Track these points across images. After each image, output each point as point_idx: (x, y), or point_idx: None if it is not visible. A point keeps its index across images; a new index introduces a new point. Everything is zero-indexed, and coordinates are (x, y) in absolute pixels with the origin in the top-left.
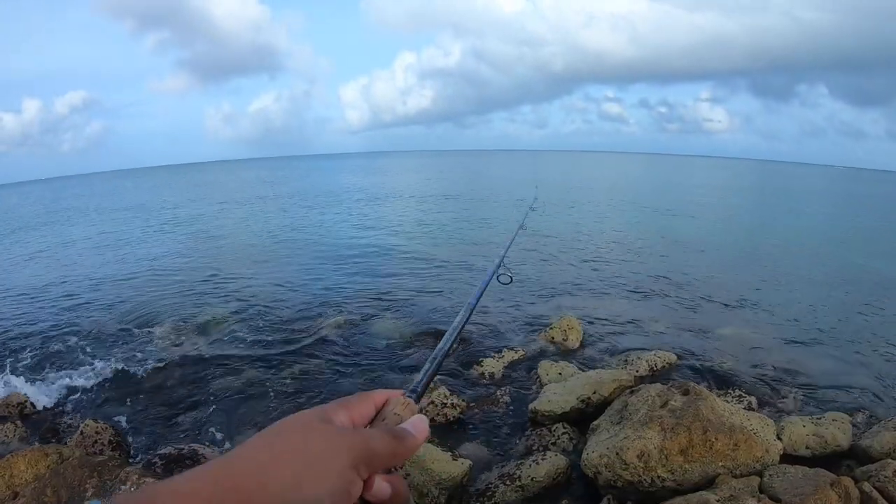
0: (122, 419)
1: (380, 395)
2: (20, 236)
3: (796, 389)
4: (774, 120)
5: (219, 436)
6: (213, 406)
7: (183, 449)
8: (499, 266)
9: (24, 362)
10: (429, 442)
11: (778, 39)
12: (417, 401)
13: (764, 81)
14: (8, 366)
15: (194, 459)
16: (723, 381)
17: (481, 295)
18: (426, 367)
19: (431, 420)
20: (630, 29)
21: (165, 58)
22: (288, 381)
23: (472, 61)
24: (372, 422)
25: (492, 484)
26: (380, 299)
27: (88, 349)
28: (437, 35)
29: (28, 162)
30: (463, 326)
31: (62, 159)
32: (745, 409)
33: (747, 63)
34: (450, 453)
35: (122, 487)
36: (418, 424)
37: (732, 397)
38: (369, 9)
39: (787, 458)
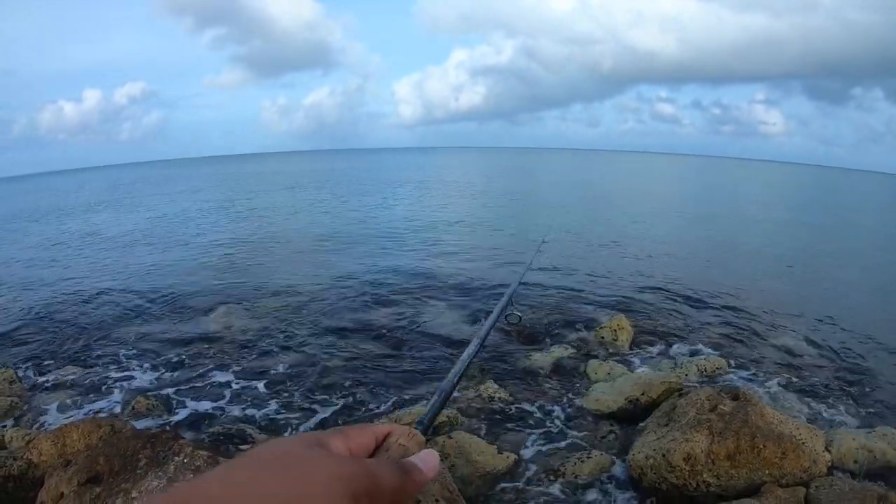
0: (172, 395)
1: (382, 428)
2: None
3: (846, 402)
4: (831, 124)
5: (267, 413)
6: (264, 386)
7: (231, 429)
8: (507, 305)
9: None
10: (475, 433)
11: (829, 41)
12: (425, 433)
13: (818, 84)
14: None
15: (242, 438)
16: (772, 389)
17: (489, 331)
18: (434, 399)
19: (479, 411)
20: (679, 29)
21: (222, 52)
22: (336, 365)
23: (523, 59)
24: (373, 454)
25: (535, 478)
26: (429, 290)
27: (143, 329)
28: (489, 34)
29: (87, 150)
30: (472, 360)
31: (121, 148)
32: (793, 417)
33: (800, 65)
34: (495, 446)
35: (176, 459)
36: (428, 459)
37: (781, 405)
38: (421, 11)
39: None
